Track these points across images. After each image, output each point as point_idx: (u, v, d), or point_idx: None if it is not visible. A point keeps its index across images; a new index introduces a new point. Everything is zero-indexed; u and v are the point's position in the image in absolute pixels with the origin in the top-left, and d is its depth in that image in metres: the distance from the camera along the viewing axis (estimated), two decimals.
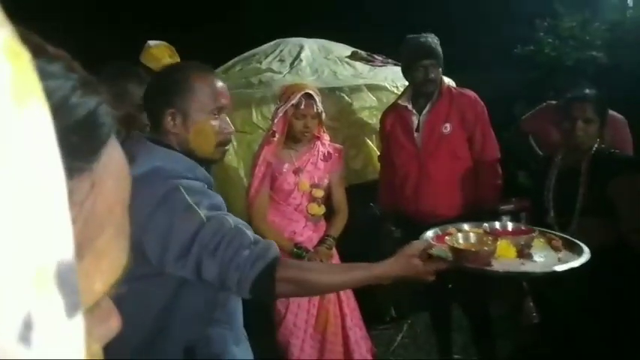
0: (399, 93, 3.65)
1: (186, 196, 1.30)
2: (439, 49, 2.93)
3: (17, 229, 0.23)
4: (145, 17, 6.87)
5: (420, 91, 2.96)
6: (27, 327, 0.23)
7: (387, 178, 3.15)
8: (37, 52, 0.29)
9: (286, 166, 2.75)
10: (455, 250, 1.48)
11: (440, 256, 1.47)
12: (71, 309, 0.26)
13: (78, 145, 0.33)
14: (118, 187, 0.38)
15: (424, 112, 2.98)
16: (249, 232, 1.32)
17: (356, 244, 2.95)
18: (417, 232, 2.69)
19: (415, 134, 2.97)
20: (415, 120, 2.99)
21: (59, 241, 0.26)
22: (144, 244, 1.28)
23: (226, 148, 1.56)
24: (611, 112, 3.38)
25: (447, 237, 1.61)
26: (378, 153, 3.46)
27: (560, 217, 2.49)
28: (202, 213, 1.29)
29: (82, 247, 0.32)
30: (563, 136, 2.53)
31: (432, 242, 1.57)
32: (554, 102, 3.43)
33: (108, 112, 0.37)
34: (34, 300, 0.23)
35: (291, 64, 4.10)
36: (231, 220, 1.31)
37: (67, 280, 0.25)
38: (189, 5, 7.82)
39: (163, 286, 1.34)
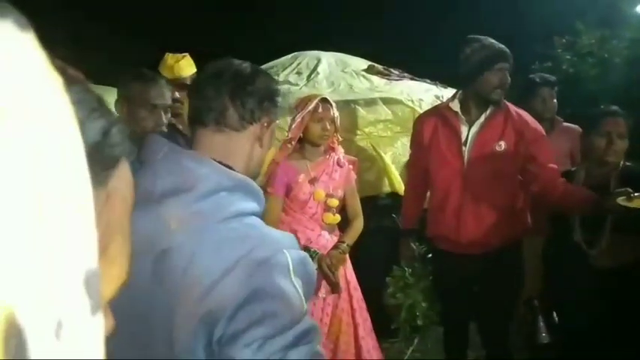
0: (414, 107, 3.70)
1: (292, 273, 1.00)
2: None
3: (59, 238, 0.25)
4: (164, 29, 7.00)
5: (485, 98, 2.57)
6: (59, 325, 0.25)
7: (415, 189, 2.90)
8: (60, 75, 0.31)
9: (302, 176, 2.79)
10: None
11: None
12: (94, 309, 0.28)
13: (97, 161, 0.36)
14: (126, 200, 0.43)
15: (477, 123, 2.60)
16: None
17: (368, 256, 2.98)
18: (455, 262, 2.63)
19: (463, 148, 2.61)
20: (465, 131, 2.62)
21: (88, 248, 0.28)
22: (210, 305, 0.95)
23: None
24: (566, 124, 3.39)
25: None
26: (387, 167, 3.49)
27: (587, 234, 2.45)
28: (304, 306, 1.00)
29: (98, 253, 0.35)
30: (591, 152, 2.49)
31: None
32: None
33: (121, 130, 0.40)
34: (66, 301, 0.26)
35: (308, 76, 4.16)
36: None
37: (92, 284, 0.28)
38: (209, 18, 7.95)
39: None
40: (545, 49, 6.27)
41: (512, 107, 2.66)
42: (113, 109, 2.25)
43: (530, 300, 3.03)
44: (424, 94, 3.90)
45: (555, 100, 3.36)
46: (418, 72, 4.42)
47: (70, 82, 0.32)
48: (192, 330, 0.95)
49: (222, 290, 0.95)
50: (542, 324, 3.03)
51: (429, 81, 4.26)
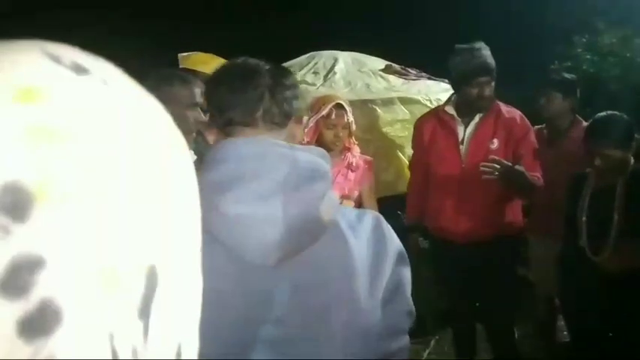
0: (432, 106, 3.67)
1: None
2: (493, 61, 2.78)
3: (186, 227, 0.36)
4: (176, 29, 7.03)
5: (471, 106, 2.81)
6: (177, 280, 0.36)
7: (418, 188, 3.05)
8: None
9: None
10: None
11: None
12: (199, 273, 0.39)
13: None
14: None
15: (472, 123, 2.83)
16: None
17: None
18: (454, 250, 2.81)
19: (460, 147, 2.83)
20: (461, 131, 2.84)
21: (198, 232, 0.39)
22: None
23: None
24: (586, 123, 3.27)
25: None
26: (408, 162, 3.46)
27: (593, 239, 2.42)
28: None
29: None
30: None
31: None
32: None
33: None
34: (188, 265, 0.37)
35: (325, 76, 4.14)
36: None
37: (199, 253, 0.39)
38: (225, 18, 7.97)
39: None
40: (565, 48, 6.19)
41: (504, 107, 2.88)
42: None
43: (550, 300, 3.01)
44: (442, 94, 3.87)
45: (563, 102, 3.26)
46: (437, 71, 4.39)
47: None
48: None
49: (381, 266, 1.11)
50: (562, 323, 3.01)
51: (447, 81, 4.22)
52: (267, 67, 1.15)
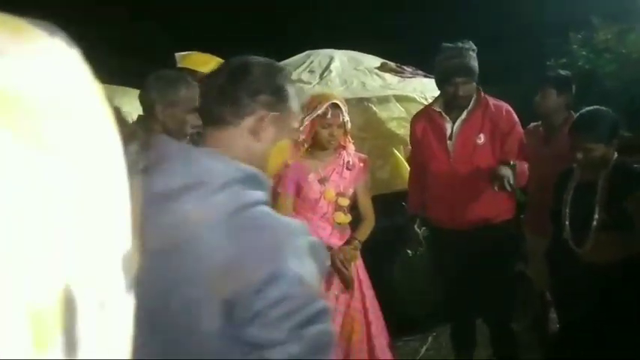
0: (428, 104, 3.69)
1: (306, 256, 1.06)
2: (474, 62, 2.86)
3: (104, 226, 0.30)
4: (180, 28, 7.03)
5: (451, 103, 2.94)
6: (103, 299, 0.30)
7: (416, 181, 3.18)
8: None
9: (311, 175, 2.78)
10: None
11: None
12: (129, 287, 0.33)
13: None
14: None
15: (459, 120, 2.94)
16: None
17: (380, 252, 2.98)
18: (451, 237, 2.93)
19: (448, 142, 2.94)
20: (449, 127, 2.96)
21: (125, 234, 0.32)
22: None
23: None
24: None
25: None
26: (404, 159, 3.50)
27: (575, 232, 2.47)
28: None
29: None
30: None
31: None
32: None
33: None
34: (110, 279, 0.31)
35: (321, 74, 4.15)
36: None
37: (128, 265, 0.32)
38: (223, 18, 7.97)
39: None
40: (560, 44, 6.19)
41: (491, 100, 2.97)
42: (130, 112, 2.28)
43: (542, 294, 3.07)
44: (437, 92, 3.87)
45: (557, 98, 3.27)
46: (432, 69, 4.39)
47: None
48: (213, 315, 1.01)
49: (241, 276, 1.00)
50: (553, 315, 3.07)
51: None
52: (234, 65, 1.16)
